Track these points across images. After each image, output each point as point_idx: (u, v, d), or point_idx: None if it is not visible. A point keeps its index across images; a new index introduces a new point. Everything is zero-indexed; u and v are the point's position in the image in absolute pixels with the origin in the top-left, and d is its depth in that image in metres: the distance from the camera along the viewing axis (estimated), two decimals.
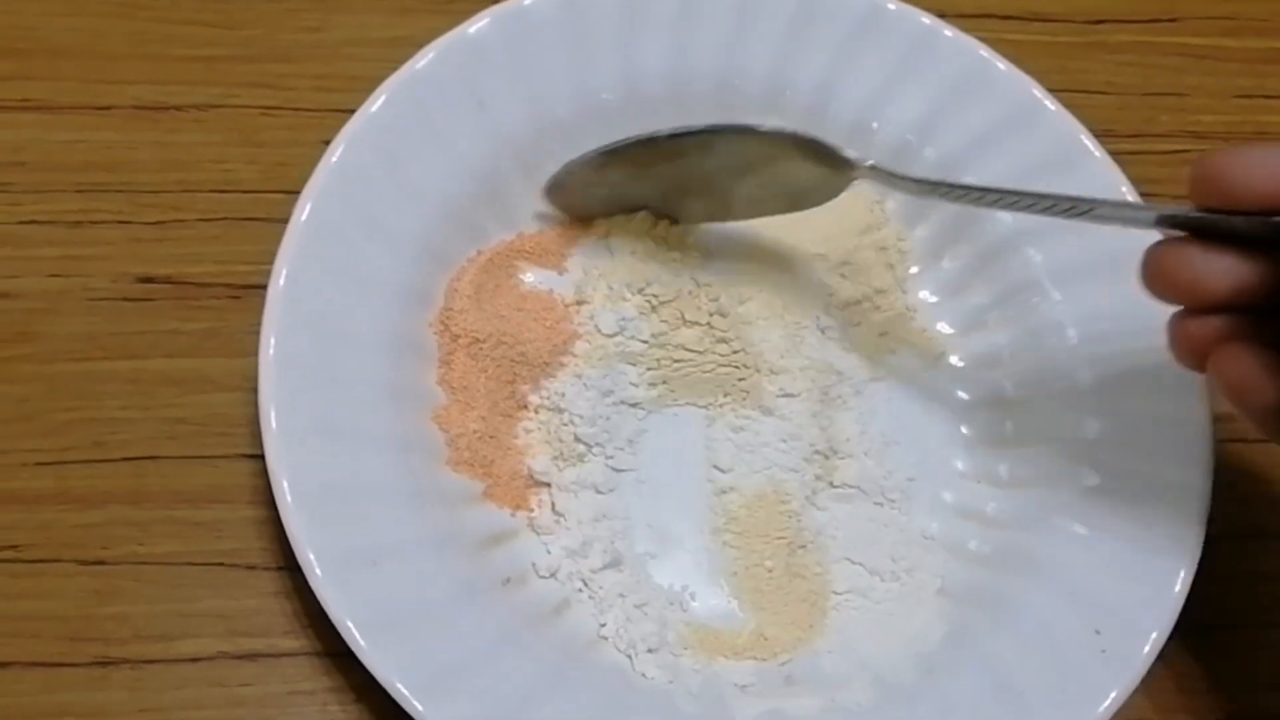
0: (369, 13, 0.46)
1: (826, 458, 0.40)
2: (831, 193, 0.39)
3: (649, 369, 0.40)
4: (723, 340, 0.41)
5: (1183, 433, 0.39)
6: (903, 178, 0.38)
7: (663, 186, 0.41)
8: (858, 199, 0.44)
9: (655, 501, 0.40)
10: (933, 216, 0.43)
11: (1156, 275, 0.33)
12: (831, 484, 0.40)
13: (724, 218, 0.42)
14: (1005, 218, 0.42)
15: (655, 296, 0.41)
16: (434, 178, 0.40)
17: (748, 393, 0.41)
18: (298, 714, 0.37)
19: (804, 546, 0.39)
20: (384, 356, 0.38)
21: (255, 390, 0.36)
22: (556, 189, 0.42)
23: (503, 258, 0.41)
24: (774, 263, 0.42)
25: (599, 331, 0.40)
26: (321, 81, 0.45)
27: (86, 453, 0.39)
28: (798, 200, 0.40)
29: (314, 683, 0.37)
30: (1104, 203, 0.34)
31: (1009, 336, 0.42)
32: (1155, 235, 0.34)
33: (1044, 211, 0.35)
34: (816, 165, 0.38)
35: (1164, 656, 0.36)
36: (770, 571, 0.39)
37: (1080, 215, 0.34)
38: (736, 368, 0.41)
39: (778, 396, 0.40)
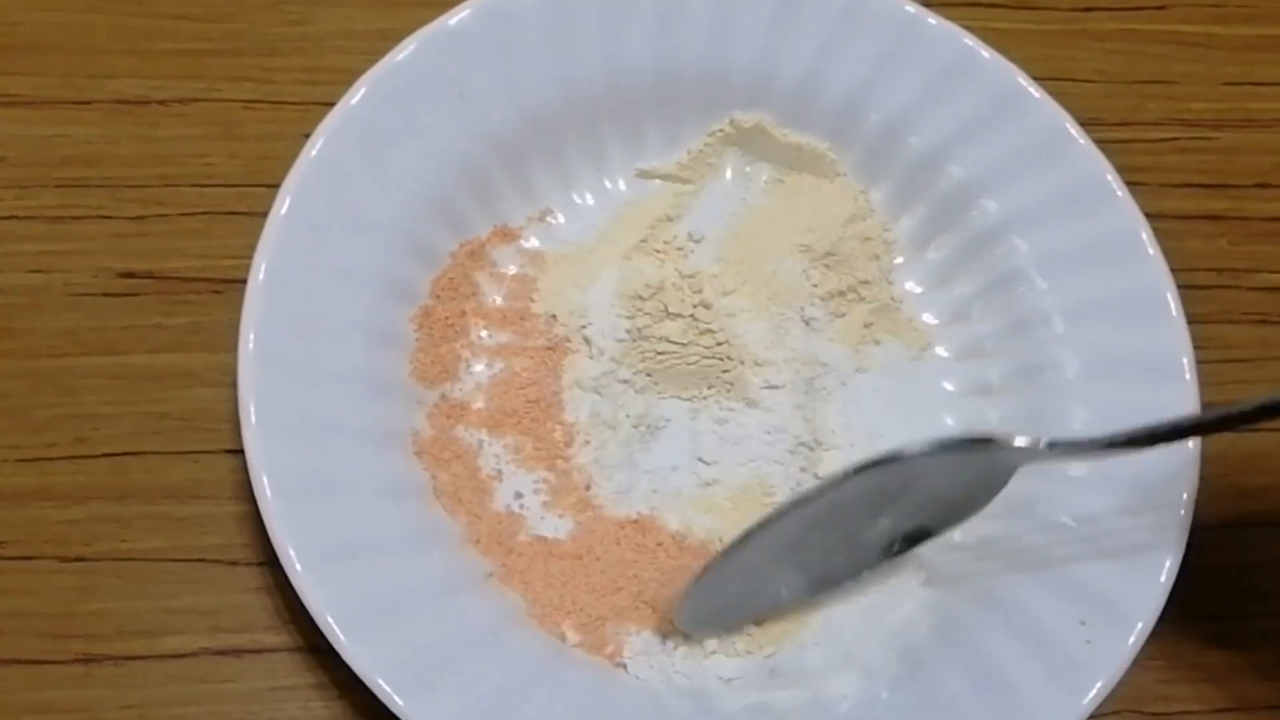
0: (353, 6, 0.46)
1: (811, 449, 0.40)
2: (996, 487, 0.35)
3: (632, 364, 0.40)
4: (706, 332, 0.40)
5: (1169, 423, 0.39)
6: None
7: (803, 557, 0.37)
8: (843, 189, 0.43)
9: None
10: (918, 208, 0.43)
11: None
12: (816, 476, 0.40)
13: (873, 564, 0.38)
14: (990, 206, 0.42)
15: (639, 294, 0.41)
16: (415, 170, 0.40)
17: (732, 385, 0.41)
18: (280, 710, 0.37)
19: None
20: (365, 350, 0.37)
21: (236, 385, 0.36)
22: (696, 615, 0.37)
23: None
24: (758, 254, 0.42)
25: (586, 343, 0.40)
26: (305, 74, 0.45)
27: (68, 449, 0.39)
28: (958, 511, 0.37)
29: (297, 678, 0.37)
30: None
31: (994, 327, 0.42)
32: None
33: None
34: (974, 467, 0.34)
35: (1150, 647, 0.36)
36: None
37: None
38: (720, 360, 0.40)
39: (762, 388, 0.40)
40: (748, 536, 0.34)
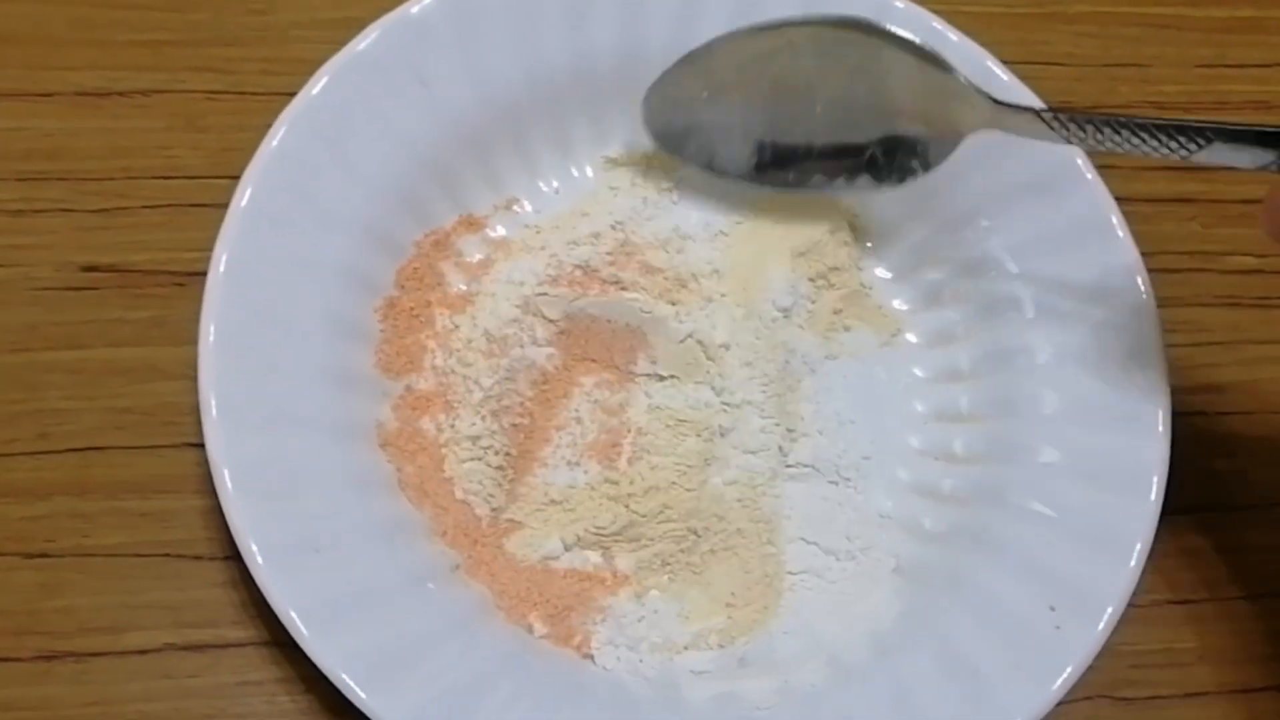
0: None
1: (781, 436, 0.40)
2: (940, 150, 0.39)
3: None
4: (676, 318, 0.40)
5: (1140, 407, 0.39)
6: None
7: (761, 102, 0.39)
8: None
9: None
10: (888, 193, 0.43)
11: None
12: (786, 463, 0.40)
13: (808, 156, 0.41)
14: (960, 192, 0.42)
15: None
16: (377, 160, 0.39)
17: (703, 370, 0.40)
18: (246, 705, 0.36)
19: (759, 525, 0.39)
20: (327, 342, 0.37)
21: None
22: (656, 107, 0.40)
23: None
24: (729, 240, 0.42)
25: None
26: (268, 65, 0.44)
27: (31, 444, 0.38)
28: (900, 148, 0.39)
29: (263, 673, 0.36)
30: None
31: (964, 312, 0.42)
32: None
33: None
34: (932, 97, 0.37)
35: (1120, 632, 0.36)
36: (725, 552, 0.38)
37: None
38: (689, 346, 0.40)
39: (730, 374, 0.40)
40: (711, 44, 0.39)
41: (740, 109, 0.40)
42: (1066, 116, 0.36)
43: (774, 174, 0.41)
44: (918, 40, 0.38)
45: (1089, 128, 0.36)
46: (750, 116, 0.40)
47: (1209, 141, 0.34)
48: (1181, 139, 0.35)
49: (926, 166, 0.39)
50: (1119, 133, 0.35)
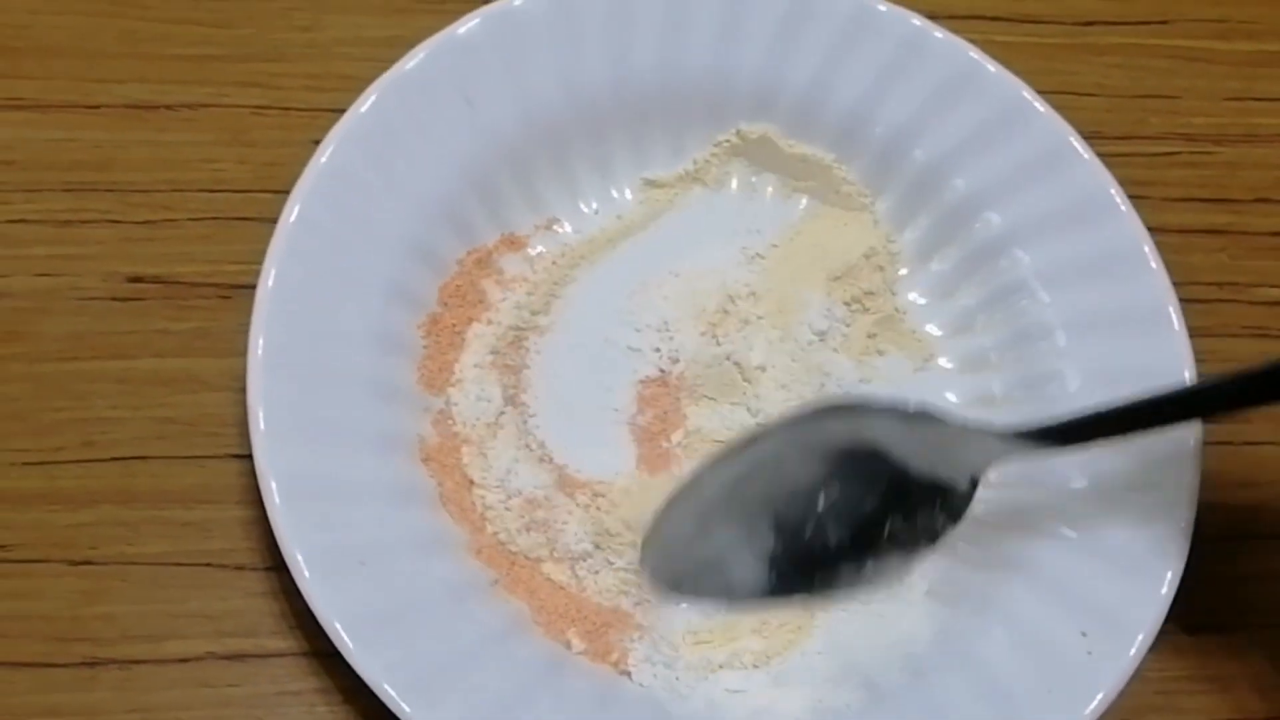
0: (361, 12, 0.46)
1: None
2: (961, 500, 0.35)
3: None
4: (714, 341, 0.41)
5: (1171, 435, 0.39)
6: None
7: (761, 518, 0.35)
8: (850, 198, 0.44)
9: None
10: (922, 219, 0.43)
11: None
12: None
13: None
14: (994, 219, 0.42)
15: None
16: (423, 178, 0.40)
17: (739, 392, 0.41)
18: (285, 715, 0.37)
19: None
20: (372, 357, 0.38)
21: (244, 390, 0.36)
22: (657, 559, 0.36)
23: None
24: (765, 263, 0.43)
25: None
26: (313, 81, 0.45)
27: (76, 453, 0.39)
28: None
29: (302, 683, 0.37)
30: None
31: (997, 339, 0.42)
32: None
33: None
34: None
35: (1150, 658, 0.36)
36: None
37: None
38: (727, 368, 0.41)
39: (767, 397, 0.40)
40: (697, 474, 0.35)
41: (742, 531, 0.36)
42: (1074, 423, 0.35)
43: (799, 583, 0.36)
44: (898, 404, 0.35)
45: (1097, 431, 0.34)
46: (754, 536, 0.36)
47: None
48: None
49: (954, 519, 0.36)
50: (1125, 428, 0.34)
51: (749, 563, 0.36)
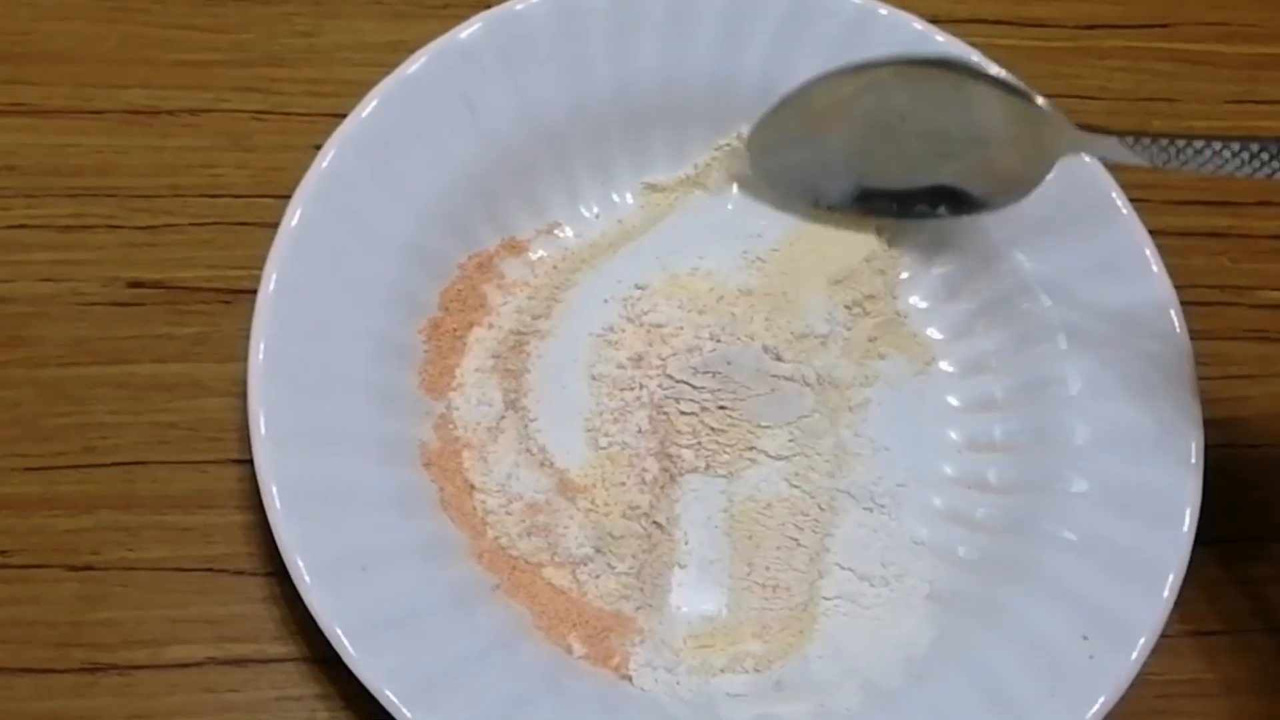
0: (363, 17, 0.46)
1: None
2: (1034, 175, 0.39)
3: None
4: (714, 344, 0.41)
5: (1172, 438, 0.39)
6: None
7: (857, 139, 0.41)
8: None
9: None
10: (923, 222, 0.43)
11: None
12: (816, 488, 0.40)
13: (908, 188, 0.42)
14: (993, 224, 0.42)
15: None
16: (424, 182, 0.40)
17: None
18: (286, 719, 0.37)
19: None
20: (373, 361, 0.38)
21: (245, 395, 0.36)
22: (761, 149, 0.42)
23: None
24: (766, 266, 0.43)
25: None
26: (314, 86, 0.45)
27: (76, 458, 0.39)
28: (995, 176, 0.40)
29: (303, 689, 0.37)
30: None
31: (998, 342, 0.42)
32: None
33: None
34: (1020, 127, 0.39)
35: (1152, 661, 0.36)
36: (763, 575, 0.39)
37: None
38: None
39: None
40: (806, 85, 0.41)
41: (838, 146, 0.42)
42: (1149, 139, 0.37)
43: (878, 204, 0.43)
44: (1000, 73, 0.39)
45: (1171, 149, 0.36)
46: (848, 153, 0.42)
47: None
48: (1266, 154, 0.34)
49: (1025, 191, 0.40)
50: (1200, 152, 0.35)
51: (839, 176, 0.42)
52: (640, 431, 0.40)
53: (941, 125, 0.40)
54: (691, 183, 0.44)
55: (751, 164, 0.43)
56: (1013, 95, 0.39)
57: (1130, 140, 0.37)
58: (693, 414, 0.40)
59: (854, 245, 0.43)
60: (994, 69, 0.40)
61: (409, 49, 0.41)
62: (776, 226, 0.44)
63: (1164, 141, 0.36)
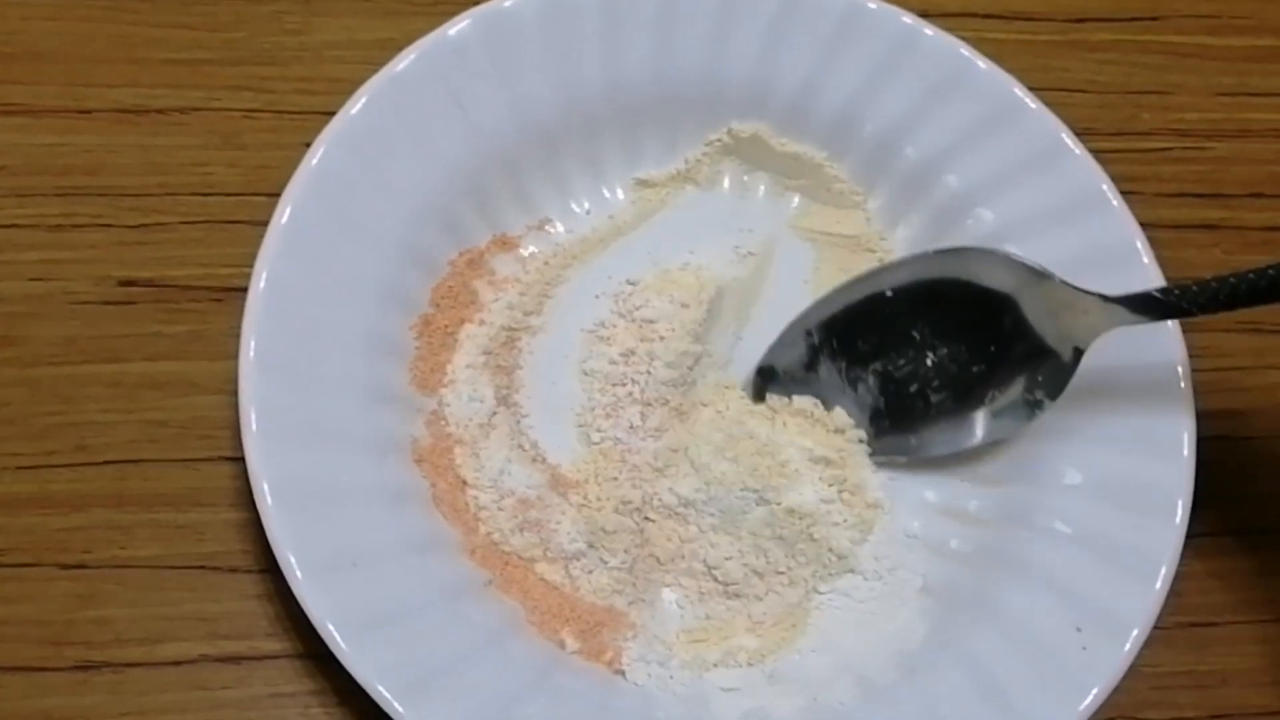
0: (352, 15, 0.46)
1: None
2: (1061, 376, 0.37)
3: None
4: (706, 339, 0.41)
5: (1165, 430, 0.39)
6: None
7: (871, 363, 0.39)
8: (842, 196, 0.44)
9: None
10: (914, 217, 0.43)
11: None
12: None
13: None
14: (986, 215, 0.42)
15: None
16: (414, 179, 0.40)
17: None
18: (279, 717, 0.37)
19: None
20: (365, 358, 0.38)
21: (236, 393, 0.36)
22: (778, 373, 0.40)
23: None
24: (758, 261, 0.43)
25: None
26: (304, 84, 0.45)
27: (68, 456, 0.39)
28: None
29: (296, 685, 0.37)
30: None
31: None
32: None
33: None
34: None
35: (1145, 654, 0.36)
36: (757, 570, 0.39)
37: None
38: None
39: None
40: (817, 304, 0.39)
41: (845, 374, 0.40)
42: (1185, 290, 0.35)
43: (894, 441, 0.40)
44: (1019, 257, 0.37)
45: (1207, 296, 0.35)
46: (858, 385, 0.40)
47: None
48: None
49: (1054, 393, 0.38)
50: (1241, 296, 0.35)
51: (852, 411, 0.39)
52: (632, 427, 0.39)
53: (957, 336, 0.39)
54: (682, 178, 0.44)
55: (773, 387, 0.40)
56: (1032, 276, 0.37)
57: (1168, 294, 0.36)
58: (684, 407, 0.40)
59: (846, 241, 0.43)
60: (1016, 253, 0.37)
61: (398, 46, 0.41)
62: (768, 221, 0.44)
63: (1201, 286, 0.35)
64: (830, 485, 0.39)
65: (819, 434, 0.40)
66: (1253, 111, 0.49)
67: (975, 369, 0.38)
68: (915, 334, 0.38)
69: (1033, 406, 0.38)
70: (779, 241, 0.44)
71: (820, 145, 0.44)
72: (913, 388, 0.39)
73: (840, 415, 0.40)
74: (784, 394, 0.40)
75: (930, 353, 0.39)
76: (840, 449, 0.40)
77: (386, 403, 0.38)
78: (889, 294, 0.39)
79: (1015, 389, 0.38)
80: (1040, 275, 0.37)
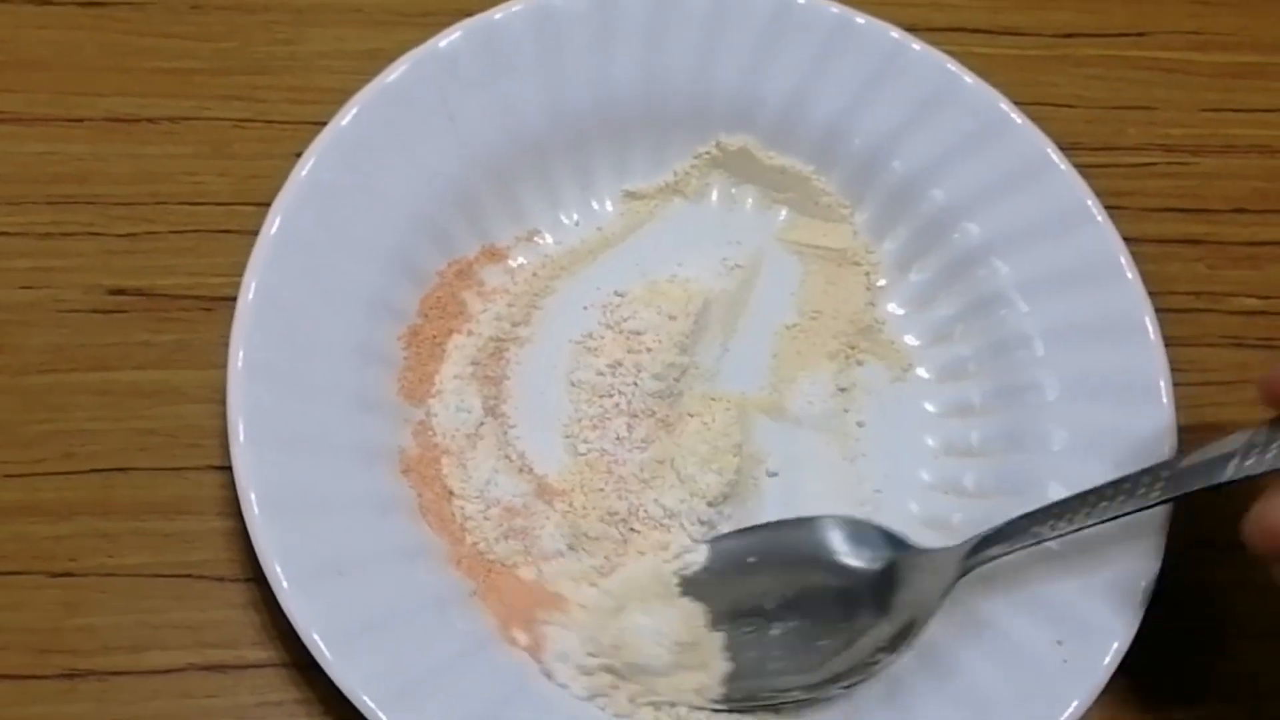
0: (343, 25, 0.47)
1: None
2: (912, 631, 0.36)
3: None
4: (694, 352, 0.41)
5: (1147, 444, 0.39)
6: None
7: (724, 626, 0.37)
8: (829, 210, 0.44)
9: None
10: (900, 230, 0.44)
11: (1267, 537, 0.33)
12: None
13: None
14: (972, 230, 0.42)
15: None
16: (404, 190, 0.40)
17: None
18: None
19: None
20: (353, 368, 0.38)
21: (225, 402, 0.36)
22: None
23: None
24: (746, 274, 0.43)
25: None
26: (295, 94, 0.45)
27: (56, 464, 0.39)
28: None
29: (282, 694, 0.37)
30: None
31: (975, 349, 0.42)
32: None
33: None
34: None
35: (1126, 666, 0.36)
36: None
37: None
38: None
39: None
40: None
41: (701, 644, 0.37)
42: (1032, 520, 0.36)
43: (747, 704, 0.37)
44: (862, 523, 0.38)
45: (1049, 522, 0.36)
46: (711, 654, 0.37)
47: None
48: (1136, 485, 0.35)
49: (893, 650, 0.37)
50: (1078, 512, 0.36)
51: (711, 679, 0.37)
52: (619, 438, 0.40)
53: (806, 608, 0.38)
54: (671, 190, 0.44)
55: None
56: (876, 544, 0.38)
57: (1015, 527, 0.36)
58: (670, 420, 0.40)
59: (831, 252, 0.43)
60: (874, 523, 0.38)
61: (389, 57, 0.41)
62: (756, 234, 0.44)
63: (1040, 516, 0.36)
64: None
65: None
66: (1237, 127, 0.49)
67: (819, 634, 0.37)
68: (758, 601, 0.38)
69: (867, 667, 0.37)
70: (766, 254, 0.44)
71: (808, 159, 0.44)
72: (757, 652, 0.37)
73: None
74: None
75: (776, 624, 0.37)
76: None
77: (374, 413, 0.38)
78: (734, 562, 0.38)
79: (856, 651, 0.37)
80: (888, 539, 0.38)
